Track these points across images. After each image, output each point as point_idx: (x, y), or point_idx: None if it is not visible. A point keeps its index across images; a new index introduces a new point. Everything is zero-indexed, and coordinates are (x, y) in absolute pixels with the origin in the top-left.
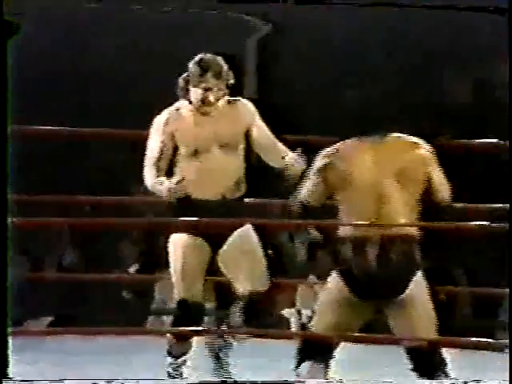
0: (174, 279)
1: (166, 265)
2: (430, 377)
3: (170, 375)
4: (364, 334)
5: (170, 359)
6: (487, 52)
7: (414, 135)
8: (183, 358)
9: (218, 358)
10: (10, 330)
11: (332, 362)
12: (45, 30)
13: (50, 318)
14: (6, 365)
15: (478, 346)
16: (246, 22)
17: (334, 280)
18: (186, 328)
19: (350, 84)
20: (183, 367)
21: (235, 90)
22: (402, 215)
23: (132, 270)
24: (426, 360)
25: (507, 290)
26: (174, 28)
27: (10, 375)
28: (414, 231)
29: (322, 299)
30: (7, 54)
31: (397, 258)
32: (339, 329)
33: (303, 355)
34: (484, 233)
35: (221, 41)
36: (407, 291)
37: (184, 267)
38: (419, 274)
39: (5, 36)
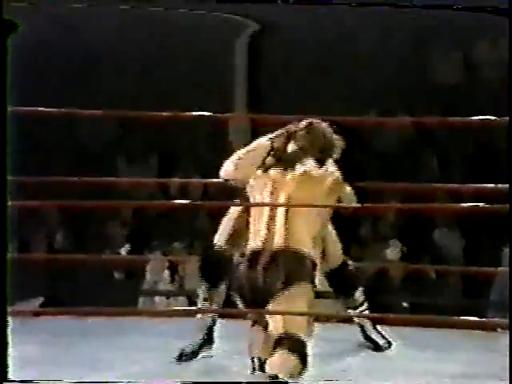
0: None
1: (157, 245)
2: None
3: None
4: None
5: None
6: (474, 32)
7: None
8: None
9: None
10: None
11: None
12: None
13: (40, 300)
14: (5, 367)
15: (470, 326)
16: (234, 21)
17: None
18: (179, 308)
19: (341, 77)
20: None
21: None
22: (299, 236)
23: (123, 250)
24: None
25: (499, 269)
26: (162, 27)
27: (11, 377)
28: (308, 250)
29: None
30: (7, 52)
31: (281, 269)
32: None
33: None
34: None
35: (210, 40)
36: (276, 300)
37: None
38: (296, 287)
39: (4, 35)
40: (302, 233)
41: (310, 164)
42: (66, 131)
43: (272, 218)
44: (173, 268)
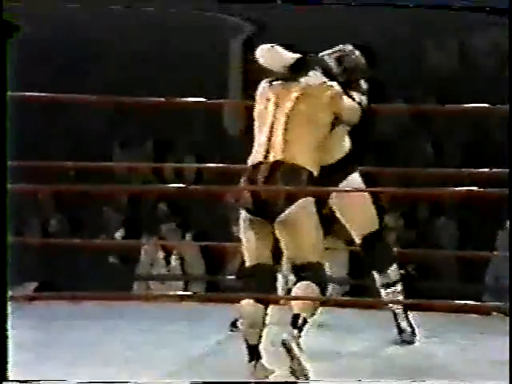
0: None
1: (152, 230)
2: None
3: None
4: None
5: None
6: (472, 19)
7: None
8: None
9: None
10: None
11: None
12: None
13: (34, 284)
14: (5, 366)
15: (464, 310)
16: (230, 22)
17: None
18: (180, 293)
19: None
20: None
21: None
22: (298, 148)
23: (118, 235)
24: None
25: (494, 253)
26: (158, 28)
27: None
28: (307, 163)
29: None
30: (7, 53)
31: (279, 181)
32: (257, 250)
33: None
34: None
35: (205, 41)
36: (287, 212)
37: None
38: (306, 201)
39: (5, 36)
40: (302, 144)
41: (314, 76)
42: (61, 120)
43: (272, 130)
44: (167, 252)
